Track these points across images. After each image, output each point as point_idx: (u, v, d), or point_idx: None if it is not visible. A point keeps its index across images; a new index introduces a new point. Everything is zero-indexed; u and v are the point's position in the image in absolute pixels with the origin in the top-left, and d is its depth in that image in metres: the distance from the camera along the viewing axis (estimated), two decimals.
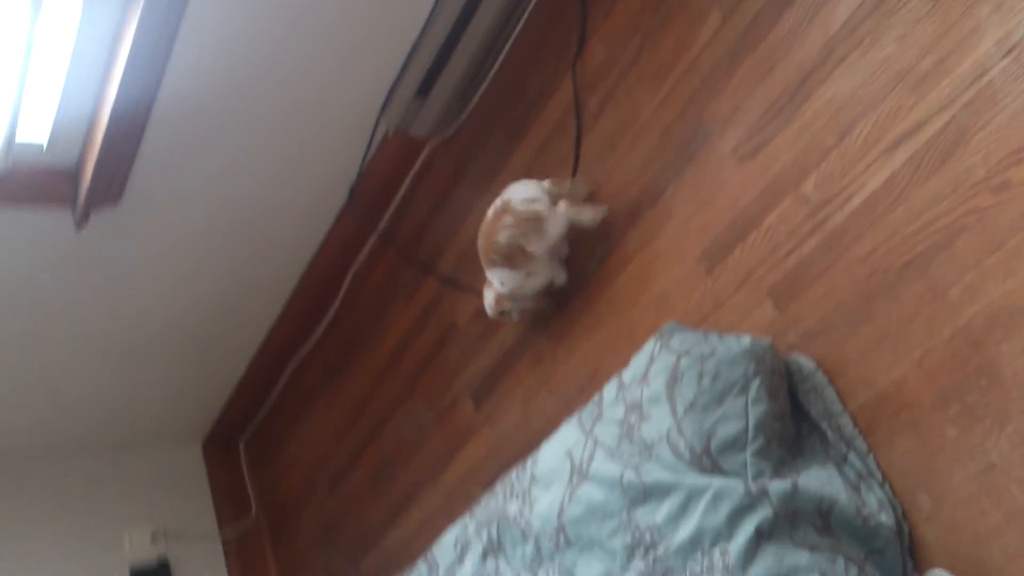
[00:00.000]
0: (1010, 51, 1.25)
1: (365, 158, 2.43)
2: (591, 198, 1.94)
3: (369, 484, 2.74)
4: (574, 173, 1.98)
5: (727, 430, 1.36)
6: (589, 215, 1.88)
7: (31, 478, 3.03)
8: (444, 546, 1.81)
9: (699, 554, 1.29)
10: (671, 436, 1.38)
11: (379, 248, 2.65)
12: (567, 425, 1.62)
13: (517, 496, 1.63)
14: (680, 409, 1.39)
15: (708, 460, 1.35)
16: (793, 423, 1.45)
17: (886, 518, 1.33)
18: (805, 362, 1.48)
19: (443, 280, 2.38)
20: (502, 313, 1.98)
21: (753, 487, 1.28)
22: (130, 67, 1.86)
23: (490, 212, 1.90)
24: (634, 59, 1.85)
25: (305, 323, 2.95)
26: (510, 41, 2.17)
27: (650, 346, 1.51)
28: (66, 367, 2.72)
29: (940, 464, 1.32)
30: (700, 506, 1.31)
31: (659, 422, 1.41)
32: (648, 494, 1.37)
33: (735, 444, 1.35)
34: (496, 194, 2.16)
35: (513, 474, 1.69)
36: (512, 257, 1.86)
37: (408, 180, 2.48)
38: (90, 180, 2.05)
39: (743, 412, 1.37)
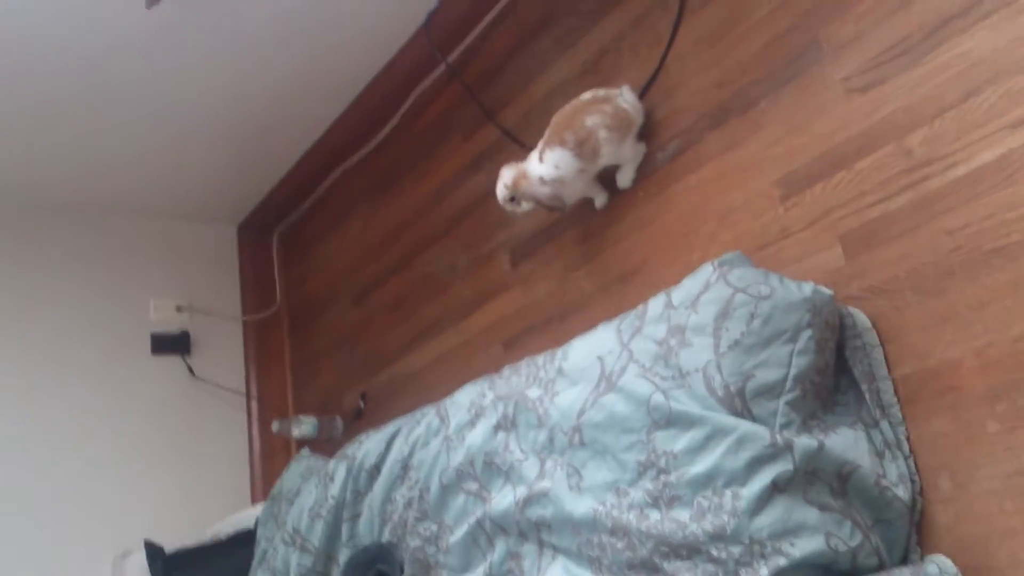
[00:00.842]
0: None
1: None
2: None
3: (393, 307, 2.77)
4: (664, 58, 1.86)
5: (766, 376, 1.33)
6: (630, 178, 1.91)
7: (70, 231, 3.10)
8: (458, 404, 1.83)
9: (710, 491, 1.29)
10: (708, 370, 1.36)
11: (446, 80, 2.56)
12: (604, 329, 1.59)
13: (540, 383, 1.63)
14: (723, 345, 1.36)
15: (740, 402, 1.33)
16: (832, 376, 1.42)
17: (903, 491, 1.32)
18: (861, 318, 1.44)
19: (504, 131, 2.31)
20: (512, 199, 1.89)
21: (779, 439, 1.27)
22: None
23: (587, 95, 1.83)
24: None
25: (360, 134, 2.90)
26: None
27: (707, 271, 1.46)
28: (124, 131, 2.73)
29: (971, 454, 1.31)
30: (722, 446, 1.30)
31: (699, 353, 1.38)
32: (672, 421, 1.36)
33: (770, 391, 1.33)
34: (580, 58, 2.07)
35: (540, 360, 1.69)
36: (584, 144, 1.80)
37: (490, 17, 2.35)
38: None
39: (786, 361, 1.34)
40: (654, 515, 1.33)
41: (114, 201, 3.14)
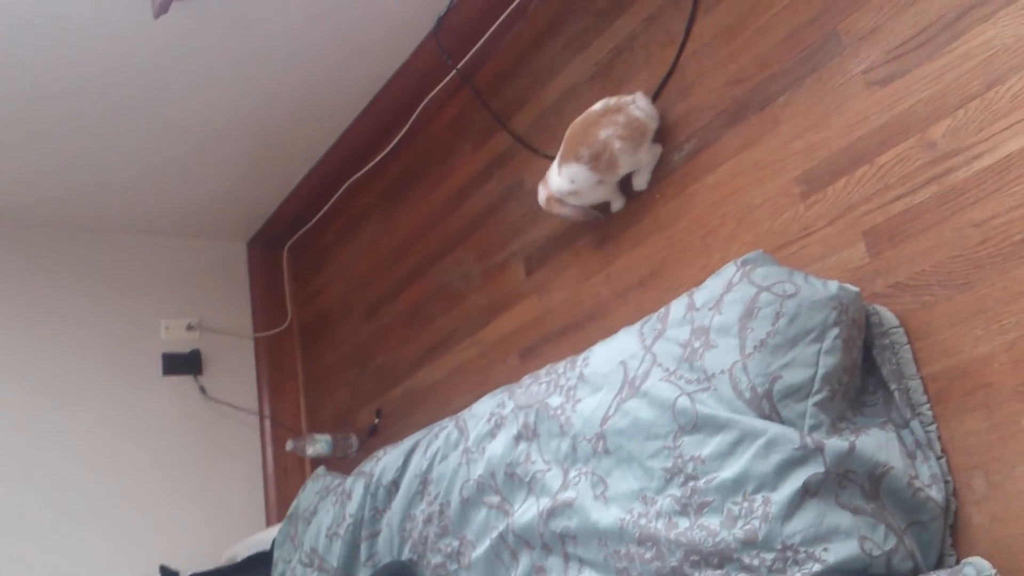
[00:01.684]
0: None
1: None
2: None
3: (406, 320, 2.74)
4: (678, 57, 1.84)
5: (793, 376, 1.30)
6: (645, 180, 1.90)
7: (81, 250, 3.09)
8: (477, 415, 1.80)
9: (740, 496, 1.26)
10: (734, 371, 1.33)
11: (456, 86, 2.53)
12: (626, 333, 1.56)
13: (561, 390, 1.60)
14: (749, 345, 1.33)
15: (768, 404, 1.30)
16: (860, 376, 1.39)
17: (936, 493, 1.29)
18: (888, 316, 1.41)
19: (516, 137, 2.28)
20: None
21: (809, 441, 1.24)
22: None
23: (599, 105, 1.81)
24: None
25: (370, 144, 2.89)
26: None
27: (729, 271, 1.43)
28: (132, 148, 2.72)
29: (1006, 452, 1.27)
30: (751, 450, 1.26)
31: (725, 354, 1.35)
32: (699, 425, 1.33)
33: (798, 392, 1.30)
34: (592, 60, 2.05)
35: (560, 366, 1.66)
36: (599, 157, 1.79)
37: (499, 22, 2.33)
38: None
39: (814, 361, 1.30)
40: (683, 523, 1.30)
41: (123, 220, 3.13)
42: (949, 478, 1.32)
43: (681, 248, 1.82)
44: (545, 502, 1.51)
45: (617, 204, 1.94)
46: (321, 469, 2.41)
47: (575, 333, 2.06)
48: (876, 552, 1.19)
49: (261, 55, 2.40)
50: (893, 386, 1.37)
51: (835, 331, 1.31)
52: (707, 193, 1.77)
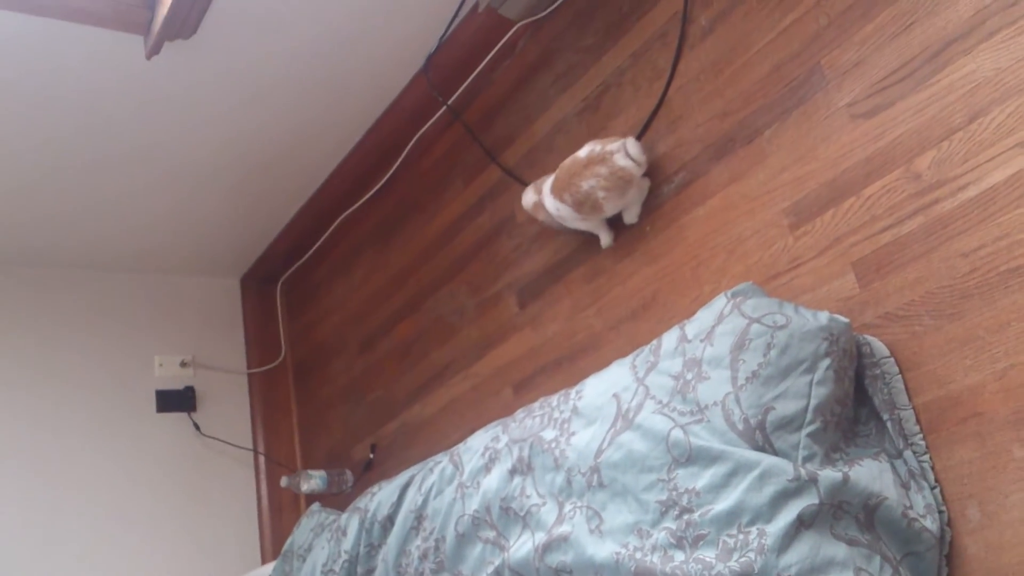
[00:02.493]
0: None
1: (449, 27, 2.31)
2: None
3: (400, 355, 2.74)
4: (665, 91, 1.86)
5: (786, 408, 1.30)
6: (636, 213, 1.91)
7: (74, 289, 3.09)
8: (472, 450, 1.80)
9: (735, 528, 1.26)
10: (727, 403, 1.33)
11: (447, 122, 2.56)
12: (618, 365, 1.57)
13: (555, 423, 1.60)
14: (741, 377, 1.33)
15: (761, 435, 1.30)
16: (852, 407, 1.39)
17: (931, 523, 1.29)
18: (878, 346, 1.42)
19: (507, 171, 2.30)
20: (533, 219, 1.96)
21: (803, 472, 1.24)
22: None
23: (584, 152, 1.82)
24: None
25: (362, 180, 2.90)
26: None
27: (720, 303, 1.44)
28: (122, 188, 2.73)
29: (999, 481, 1.27)
30: (745, 482, 1.27)
31: (717, 386, 1.36)
32: (693, 458, 1.33)
33: (791, 424, 1.30)
34: (581, 95, 2.07)
35: (554, 400, 1.66)
36: (582, 205, 1.83)
37: (488, 59, 2.35)
38: (167, 12, 1.97)
39: (806, 392, 1.31)
40: (679, 556, 1.30)
41: (115, 259, 3.13)
42: (943, 508, 1.32)
43: (672, 280, 1.83)
44: (540, 536, 1.51)
45: (605, 240, 1.95)
46: (316, 505, 2.40)
47: (568, 365, 2.07)
48: None
49: (253, 94, 2.43)
50: (885, 416, 1.38)
51: (826, 362, 1.32)
52: (697, 225, 1.78)
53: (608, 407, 1.50)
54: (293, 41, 2.25)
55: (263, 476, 3.17)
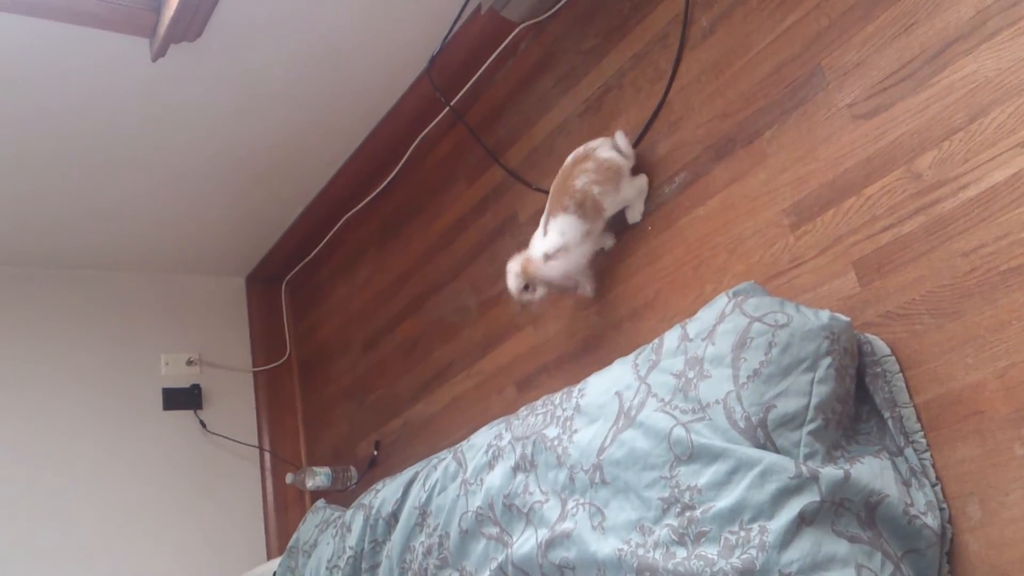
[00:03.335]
0: None
1: (452, 29, 2.33)
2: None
3: (404, 353, 2.76)
4: (666, 93, 1.87)
5: (787, 406, 1.31)
6: (639, 211, 1.90)
7: (82, 289, 3.12)
8: (475, 447, 1.81)
9: (737, 525, 1.27)
10: (728, 401, 1.35)
11: (449, 123, 2.57)
12: (620, 364, 1.58)
13: (558, 421, 1.61)
14: (743, 376, 1.35)
15: (762, 433, 1.31)
16: (853, 405, 1.40)
17: (932, 520, 1.30)
18: (879, 344, 1.42)
19: (509, 171, 2.31)
20: (526, 287, 1.87)
21: (805, 470, 1.25)
22: None
23: (569, 158, 1.85)
24: None
25: (365, 181, 2.92)
26: None
27: (722, 302, 1.45)
28: (129, 190, 2.75)
29: (1000, 479, 1.28)
30: (747, 479, 1.28)
31: (718, 384, 1.37)
32: (695, 455, 1.34)
33: (792, 421, 1.31)
34: (583, 97, 2.09)
35: (557, 398, 1.68)
36: (583, 204, 1.81)
37: (490, 60, 2.37)
38: (172, 14, 1.98)
39: (807, 390, 1.32)
40: (680, 553, 1.31)
41: (123, 259, 3.16)
42: (944, 505, 1.33)
43: (674, 279, 1.84)
44: (543, 533, 1.52)
45: (608, 243, 1.96)
46: (321, 502, 2.42)
47: (571, 364, 2.08)
48: None
49: (258, 95, 2.44)
50: (886, 414, 1.39)
51: (827, 360, 1.33)
52: (698, 225, 1.80)
53: (610, 405, 1.52)
54: (298, 43, 2.27)
55: (268, 473, 3.19)
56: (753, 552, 1.23)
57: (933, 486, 1.34)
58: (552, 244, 1.84)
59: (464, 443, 1.88)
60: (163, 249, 3.18)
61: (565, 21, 2.17)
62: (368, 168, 2.88)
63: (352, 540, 1.98)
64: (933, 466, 1.35)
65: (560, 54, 2.18)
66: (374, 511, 1.97)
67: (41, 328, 2.98)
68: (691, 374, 1.41)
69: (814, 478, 1.24)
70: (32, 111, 2.27)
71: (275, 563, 2.46)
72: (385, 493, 1.99)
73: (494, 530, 1.65)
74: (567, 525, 1.49)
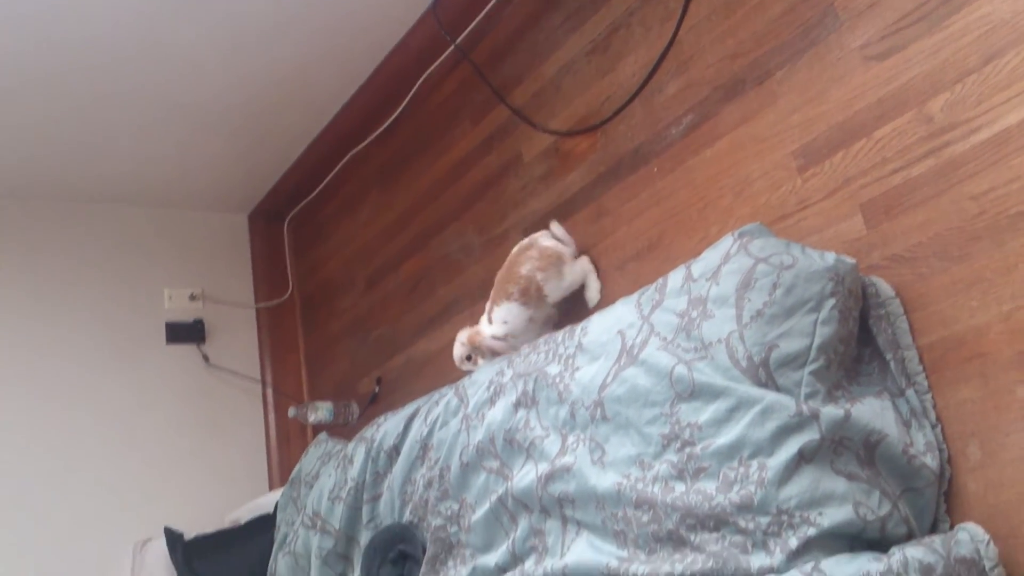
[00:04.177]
0: None
1: None
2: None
3: (407, 291, 2.76)
4: (676, 32, 1.84)
5: (790, 346, 1.32)
6: (596, 288, 1.97)
7: (85, 221, 3.13)
8: (477, 383, 1.83)
9: (736, 462, 1.28)
10: (731, 341, 1.35)
11: (455, 61, 2.54)
12: (623, 303, 1.58)
13: (560, 359, 1.62)
14: (746, 316, 1.35)
15: (764, 373, 1.32)
16: (856, 347, 1.41)
17: (931, 460, 1.31)
18: (884, 287, 1.43)
19: (515, 111, 2.29)
20: (468, 357, 2.00)
21: (805, 409, 1.26)
22: None
23: (515, 249, 1.99)
24: None
25: (369, 118, 2.90)
26: None
27: (727, 243, 1.45)
28: (134, 124, 2.75)
29: (1001, 420, 1.29)
30: (747, 417, 1.29)
31: (721, 324, 1.37)
32: (696, 393, 1.35)
33: (794, 361, 1.32)
34: (590, 36, 2.07)
35: (559, 336, 1.68)
36: (527, 292, 1.92)
37: None
38: None
39: (810, 331, 1.33)
40: (679, 487, 1.32)
41: (125, 193, 3.15)
42: (944, 446, 1.34)
43: (678, 221, 1.84)
44: (544, 467, 1.54)
45: (592, 294, 1.99)
46: (323, 435, 2.44)
47: (573, 304, 2.08)
48: (871, 517, 1.21)
49: (259, 31, 2.42)
50: (889, 356, 1.39)
51: (831, 301, 1.34)
52: (705, 167, 1.79)
53: (613, 343, 1.52)
54: None
55: (271, 407, 3.23)
56: (751, 488, 1.25)
57: (933, 427, 1.35)
58: (497, 332, 1.97)
59: (465, 379, 1.89)
60: (166, 184, 3.17)
61: None
62: (372, 106, 2.85)
63: (354, 472, 2.01)
64: (934, 407, 1.36)
65: None
66: (376, 444, 1.99)
67: (45, 260, 2.99)
68: (694, 314, 1.42)
69: (814, 417, 1.26)
70: (34, 43, 2.25)
71: (277, 493, 2.49)
72: (387, 427, 2.01)
73: (494, 464, 1.67)
74: (567, 459, 1.51)
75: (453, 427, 1.79)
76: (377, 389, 2.83)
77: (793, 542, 1.19)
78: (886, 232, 1.45)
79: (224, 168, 3.16)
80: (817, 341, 1.32)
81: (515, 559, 1.58)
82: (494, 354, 1.96)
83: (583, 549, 1.45)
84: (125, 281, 3.11)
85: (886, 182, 1.45)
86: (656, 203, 1.89)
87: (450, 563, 1.73)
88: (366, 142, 2.94)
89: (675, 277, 1.50)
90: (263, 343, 3.35)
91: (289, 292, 3.41)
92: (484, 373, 1.84)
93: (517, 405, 1.67)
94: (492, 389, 1.76)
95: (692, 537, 1.29)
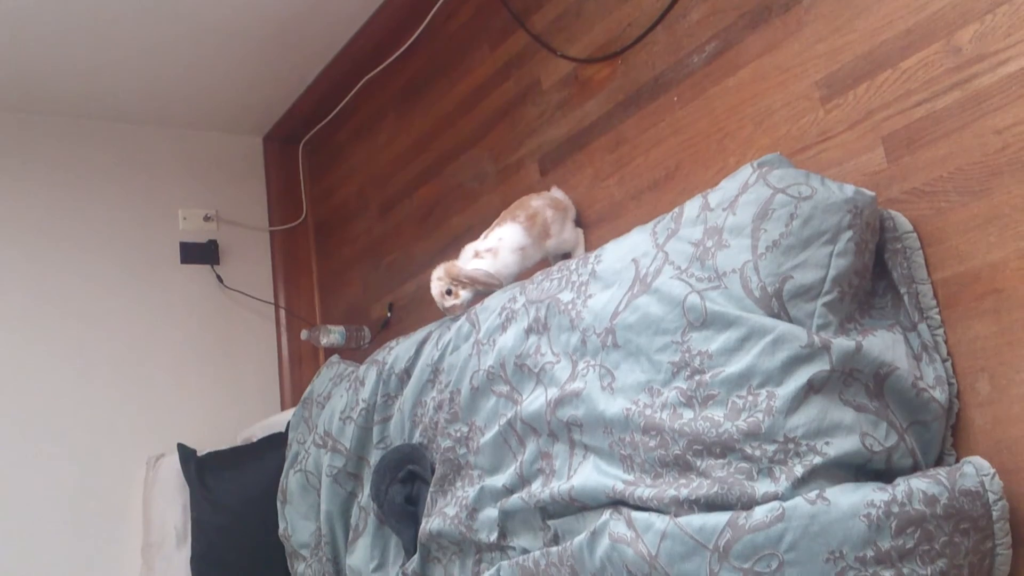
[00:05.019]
0: None
1: None
2: None
3: (420, 218, 2.76)
4: None
5: (804, 277, 1.31)
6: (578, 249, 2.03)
7: (100, 140, 3.13)
8: (488, 309, 1.83)
9: (745, 390, 1.29)
10: (745, 271, 1.35)
11: None
12: (638, 232, 1.57)
13: (573, 286, 1.62)
14: (762, 246, 1.34)
15: (777, 303, 1.32)
16: (871, 280, 1.40)
17: (939, 394, 1.31)
18: (902, 221, 1.42)
19: (534, 36, 2.26)
20: (448, 292, 1.94)
21: (817, 340, 1.26)
22: None
23: (524, 197, 2.04)
24: None
25: (385, 42, 2.86)
26: None
27: (746, 172, 1.43)
28: (148, 40, 2.72)
29: (1012, 356, 1.29)
30: (758, 346, 1.29)
31: (736, 254, 1.36)
32: (708, 322, 1.35)
33: (808, 293, 1.31)
34: None
35: (572, 263, 1.68)
36: (534, 220, 1.95)
37: None
38: None
39: (825, 262, 1.32)
40: (687, 414, 1.33)
41: (142, 111, 3.14)
42: (953, 380, 1.35)
43: (697, 151, 1.82)
44: (553, 392, 1.55)
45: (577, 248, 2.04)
46: (335, 357, 2.46)
47: (588, 233, 2.08)
48: (877, 448, 1.22)
49: None
50: (903, 290, 1.39)
51: (848, 234, 1.32)
52: (726, 96, 1.76)
53: (626, 271, 1.52)
54: None
55: (283, 329, 3.26)
56: (759, 416, 1.25)
57: (944, 361, 1.35)
58: (486, 244, 1.96)
59: (477, 305, 1.90)
60: (182, 103, 3.15)
61: None
62: (388, 28, 2.81)
63: (365, 393, 2.03)
64: (945, 342, 1.36)
65: None
66: (387, 367, 2.01)
67: (60, 177, 3.00)
68: (709, 243, 1.41)
69: (825, 348, 1.25)
70: None
71: (289, 413, 2.53)
72: (398, 350, 2.02)
73: (504, 388, 1.68)
74: (577, 385, 1.52)
75: (464, 352, 1.80)
76: (389, 315, 2.84)
77: (799, 470, 1.20)
78: (907, 165, 1.43)
79: (239, 90, 3.14)
80: (832, 273, 1.32)
81: (522, 481, 1.60)
82: (475, 284, 1.92)
83: (589, 472, 1.46)
84: (140, 200, 3.12)
85: (909, 114, 1.43)
86: (675, 132, 1.87)
87: (458, 483, 1.76)
88: (382, 66, 2.90)
89: (692, 206, 1.49)
90: (276, 266, 3.36)
91: (303, 216, 3.41)
92: (496, 299, 1.84)
93: (529, 331, 1.68)
94: (504, 315, 1.76)
95: (698, 463, 1.30)
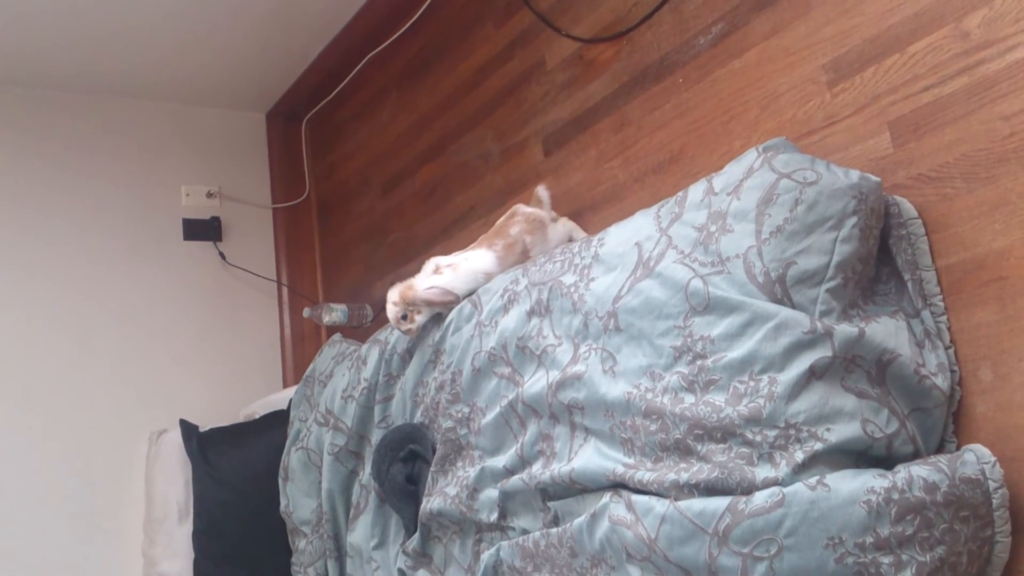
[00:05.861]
0: None
1: None
2: None
3: (423, 197, 2.75)
4: None
5: (808, 263, 1.31)
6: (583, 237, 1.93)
7: (103, 114, 3.12)
8: (491, 291, 1.83)
9: (746, 376, 1.29)
10: (749, 256, 1.34)
11: None
12: (642, 215, 1.57)
13: (575, 269, 1.62)
14: (766, 231, 1.34)
15: (780, 289, 1.31)
16: (874, 266, 1.40)
17: (942, 381, 1.31)
18: (907, 207, 1.41)
19: (539, 15, 2.24)
20: (404, 317, 1.91)
21: (819, 326, 1.26)
22: None
23: (502, 219, 2.00)
24: None
25: (390, 18, 2.84)
26: None
27: (750, 157, 1.43)
28: (151, 14, 2.71)
29: (1015, 345, 1.29)
30: (760, 332, 1.29)
31: (740, 239, 1.36)
32: (711, 307, 1.35)
33: (812, 279, 1.31)
34: None
35: (575, 246, 1.68)
36: (511, 250, 1.92)
37: None
38: None
39: (830, 248, 1.31)
40: (688, 398, 1.33)
41: (144, 86, 3.13)
42: (956, 368, 1.34)
43: (702, 134, 1.81)
44: (555, 374, 1.55)
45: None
46: (337, 336, 2.47)
47: (591, 215, 2.07)
48: (878, 435, 1.22)
49: None
50: (907, 276, 1.38)
51: (853, 220, 1.32)
52: (732, 79, 1.75)
53: (629, 255, 1.52)
54: None
55: (286, 306, 3.26)
56: (760, 401, 1.25)
57: (946, 348, 1.35)
58: (448, 260, 1.93)
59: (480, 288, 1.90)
60: (185, 79, 3.14)
61: None
62: (393, 6, 2.79)
63: (367, 372, 2.03)
64: (948, 329, 1.36)
65: None
66: (389, 347, 2.01)
67: (63, 152, 2.99)
68: (713, 228, 1.41)
69: (828, 334, 1.25)
70: None
71: (291, 391, 2.53)
72: None
73: (506, 370, 1.68)
74: (578, 368, 1.52)
75: (466, 333, 1.80)
76: None
77: (799, 456, 1.21)
78: (913, 151, 1.42)
79: (242, 66, 3.12)
80: (835, 259, 1.31)
81: (523, 462, 1.60)
82: (430, 306, 1.90)
83: (590, 455, 1.47)
84: (142, 176, 3.12)
85: (916, 99, 1.42)
86: (680, 115, 1.86)
87: (459, 463, 1.76)
88: (386, 44, 2.89)
89: (696, 190, 1.48)
90: (279, 243, 3.36)
91: (306, 194, 3.40)
92: (499, 281, 1.84)
93: (531, 313, 1.68)
94: (506, 297, 1.76)
95: (699, 447, 1.30)
